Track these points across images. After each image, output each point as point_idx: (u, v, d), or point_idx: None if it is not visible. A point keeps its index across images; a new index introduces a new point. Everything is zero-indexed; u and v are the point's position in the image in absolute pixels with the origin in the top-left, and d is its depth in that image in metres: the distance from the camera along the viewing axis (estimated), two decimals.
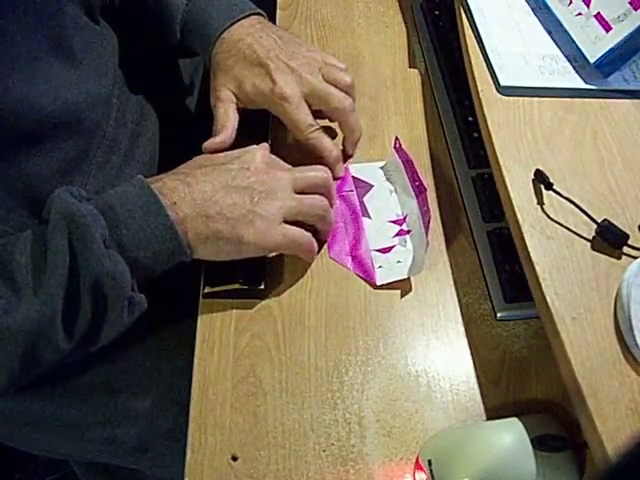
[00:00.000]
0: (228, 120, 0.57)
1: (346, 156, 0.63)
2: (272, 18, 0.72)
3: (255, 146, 0.54)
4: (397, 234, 0.59)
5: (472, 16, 0.64)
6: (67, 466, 1.04)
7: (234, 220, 0.49)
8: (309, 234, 0.53)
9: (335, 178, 0.60)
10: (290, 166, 0.55)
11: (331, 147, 0.59)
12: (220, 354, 0.52)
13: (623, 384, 0.42)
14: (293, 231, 0.51)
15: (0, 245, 0.45)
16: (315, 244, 0.53)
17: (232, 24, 0.60)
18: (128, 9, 0.64)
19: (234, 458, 0.47)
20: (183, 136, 0.70)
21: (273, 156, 0.54)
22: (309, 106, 0.58)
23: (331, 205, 0.55)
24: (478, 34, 0.62)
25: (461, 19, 0.65)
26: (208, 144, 0.56)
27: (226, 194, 0.49)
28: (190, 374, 0.51)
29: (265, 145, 0.55)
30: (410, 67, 0.72)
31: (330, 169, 0.58)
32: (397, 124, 0.67)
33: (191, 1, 0.62)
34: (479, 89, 0.58)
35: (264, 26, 0.61)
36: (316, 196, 0.53)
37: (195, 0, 0.61)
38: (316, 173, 0.54)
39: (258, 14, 0.62)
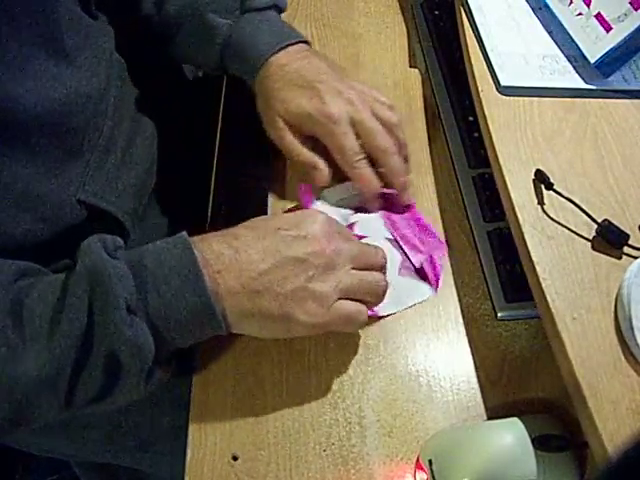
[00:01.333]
0: (302, 150, 0.55)
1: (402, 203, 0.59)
2: None
3: (315, 211, 0.50)
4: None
5: (472, 16, 0.64)
6: (67, 466, 1.03)
7: (284, 297, 0.44)
8: (365, 308, 0.48)
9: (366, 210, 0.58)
10: (350, 234, 0.51)
11: (375, 181, 0.56)
12: (220, 354, 0.52)
13: (623, 384, 0.42)
14: (349, 308, 0.47)
15: (22, 287, 0.42)
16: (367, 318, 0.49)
17: (279, 50, 0.58)
18: (160, 19, 0.62)
19: (234, 458, 0.47)
20: (182, 135, 0.69)
21: (334, 220, 0.50)
22: None
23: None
24: (478, 34, 0.62)
25: (461, 19, 0.65)
26: (322, 180, 0.55)
27: (277, 266, 0.44)
28: (190, 374, 0.51)
29: (321, 213, 0.50)
30: (410, 67, 0.72)
31: (370, 206, 0.57)
32: None
33: (235, 23, 0.59)
34: (479, 89, 0.58)
35: (311, 53, 0.59)
36: (375, 274, 0.49)
37: (240, 24, 0.59)
38: (377, 251, 0.50)
39: (305, 42, 0.61)
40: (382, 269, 0.50)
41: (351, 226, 0.57)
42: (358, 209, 0.58)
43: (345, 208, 0.58)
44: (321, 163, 0.55)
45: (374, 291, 0.48)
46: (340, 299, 0.46)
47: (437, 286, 0.55)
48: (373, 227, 0.57)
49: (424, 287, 0.55)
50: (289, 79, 0.56)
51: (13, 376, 0.39)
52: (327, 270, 0.46)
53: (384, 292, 0.49)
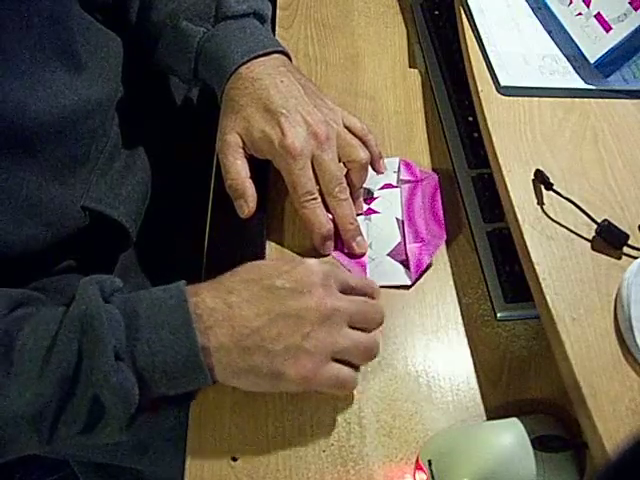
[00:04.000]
0: (239, 175, 0.53)
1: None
2: (272, 18, 0.72)
3: (311, 261, 0.47)
4: (365, 212, 0.60)
5: (472, 16, 0.64)
6: (67, 466, 1.03)
7: (275, 354, 0.43)
8: (356, 375, 0.47)
9: (319, 255, 0.56)
10: (344, 276, 0.49)
11: (323, 223, 0.54)
12: None
13: (623, 384, 0.42)
14: (343, 372, 0.45)
15: (16, 318, 0.42)
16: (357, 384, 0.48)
17: (251, 59, 0.55)
18: (142, 28, 0.61)
19: (234, 458, 0.47)
20: (186, 141, 0.70)
21: (330, 271, 0.47)
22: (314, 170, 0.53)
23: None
24: (478, 34, 0.62)
25: (461, 19, 0.65)
26: (242, 213, 0.53)
27: (272, 323, 0.43)
28: None
29: (317, 262, 0.47)
30: (410, 67, 0.72)
31: (316, 245, 0.55)
32: (397, 124, 0.67)
33: (210, 31, 0.57)
34: (479, 89, 0.58)
35: (288, 70, 0.56)
36: (371, 337, 0.47)
37: (216, 30, 0.57)
38: (376, 309, 0.48)
39: (283, 53, 0.58)
40: (379, 326, 0.48)
41: (372, 200, 0.60)
42: (384, 186, 0.61)
43: (373, 183, 0.61)
44: (250, 196, 0.53)
45: (367, 355, 0.47)
46: (333, 360, 0.45)
47: (415, 278, 0.55)
48: (389, 205, 0.60)
49: (404, 274, 0.56)
50: (257, 98, 0.53)
51: None
52: (323, 327, 0.44)
53: (376, 355, 0.47)
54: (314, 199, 0.53)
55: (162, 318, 0.42)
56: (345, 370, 0.45)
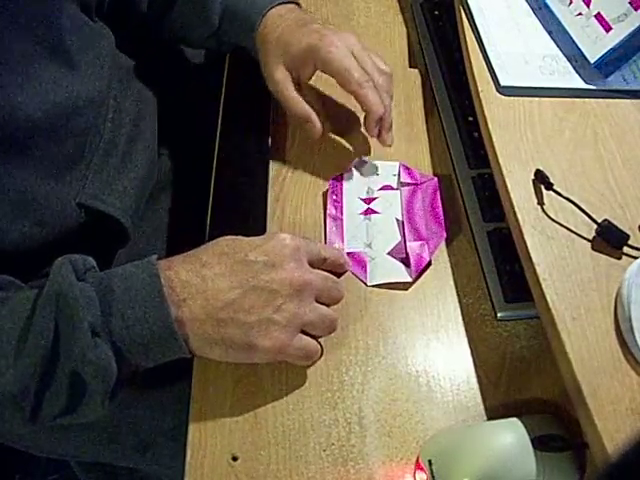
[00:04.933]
0: (299, 103, 0.58)
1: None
2: None
3: (283, 235, 0.48)
4: (364, 212, 0.60)
5: (472, 16, 0.64)
6: (67, 466, 1.03)
7: (248, 326, 0.44)
8: (319, 348, 0.50)
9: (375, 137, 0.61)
10: (315, 247, 0.51)
11: (380, 104, 0.57)
12: None
13: (623, 384, 0.42)
14: (311, 344, 0.48)
15: None
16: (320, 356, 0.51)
17: (276, 5, 0.61)
18: (153, 3, 0.64)
19: (234, 458, 0.47)
20: (182, 137, 0.69)
21: (301, 244, 0.48)
22: None
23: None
24: (478, 34, 0.62)
25: (461, 19, 0.65)
26: (315, 134, 0.58)
27: (244, 295, 0.45)
28: (190, 374, 0.51)
29: (289, 236, 0.49)
30: (410, 67, 0.72)
31: (369, 130, 0.59)
32: (397, 124, 0.67)
33: None
34: (479, 89, 0.58)
35: (303, 12, 0.62)
36: (333, 313, 0.49)
37: None
38: (339, 287, 0.51)
39: (296, 4, 0.64)
40: (338, 302, 0.51)
41: (371, 200, 0.60)
42: (384, 187, 0.62)
43: (373, 183, 0.62)
44: (315, 118, 0.58)
45: (331, 329, 0.50)
46: (301, 332, 0.47)
47: (416, 274, 0.56)
48: (389, 206, 0.60)
49: (404, 271, 0.56)
50: (288, 25, 0.58)
51: None
52: (293, 300, 0.46)
53: (335, 329, 0.50)
54: (369, 81, 0.57)
55: (135, 292, 0.43)
56: (312, 342, 0.48)
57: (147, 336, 0.43)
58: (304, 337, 0.48)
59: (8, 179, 0.48)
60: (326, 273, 0.50)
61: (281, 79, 0.58)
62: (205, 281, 0.44)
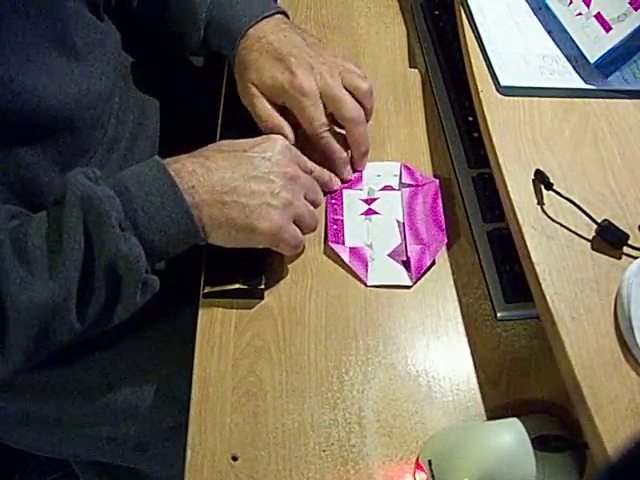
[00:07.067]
0: (271, 114, 0.58)
1: (353, 169, 0.63)
2: None
3: (275, 136, 0.54)
4: (365, 212, 0.60)
5: (472, 16, 0.64)
6: (67, 466, 1.04)
7: (250, 209, 0.49)
8: (304, 241, 0.54)
9: (343, 181, 0.62)
10: (304, 158, 0.56)
11: (341, 150, 0.60)
12: (220, 354, 0.52)
13: (623, 384, 0.42)
14: (299, 234, 0.52)
15: (16, 226, 0.45)
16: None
17: (257, 22, 0.60)
18: (146, 8, 0.64)
19: (234, 458, 0.47)
20: (184, 136, 0.70)
21: (291, 147, 0.54)
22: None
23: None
24: (478, 34, 0.62)
25: (461, 19, 0.65)
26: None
27: (245, 182, 0.49)
28: (190, 374, 0.51)
29: (282, 138, 0.54)
30: (410, 67, 0.72)
31: (337, 173, 0.60)
32: (397, 124, 0.67)
33: (214, 1, 0.62)
34: (479, 89, 0.58)
35: (289, 26, 0.61)
36: (316, 214, 0.55)
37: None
38: (319, 191, 0.56)
39: (283, 13, 0.63)
40: (319, 206, 0.57)
41: (372, 201, 0.61)
42: (385, 187, 0.62)
43: (373, 183, 0.62)
44: (287, 129, 0.58)
45: (314, 226, 0.55)
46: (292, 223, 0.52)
47: (417, 278, 0.56)
48: (390, 207, 0.60)
49: (404, 274, 0.56)
50: (265, 51, 0.58)
51: (28, 304, 0.43)
52: (288, 188, 0.51)
53: (316, 229, 0.56)
54: (329, 130, 0.59)
55: (149, 187, 0.46)
56: (300, 233, 0.53)
57: (168, 223, 0.46)
58: (296, 227, 0.52)
59: (12, 158, 0.49)
60: (312, 178, 0.56)
61: (252, 94, 0.58)
62: (210, 171, 0.49)
